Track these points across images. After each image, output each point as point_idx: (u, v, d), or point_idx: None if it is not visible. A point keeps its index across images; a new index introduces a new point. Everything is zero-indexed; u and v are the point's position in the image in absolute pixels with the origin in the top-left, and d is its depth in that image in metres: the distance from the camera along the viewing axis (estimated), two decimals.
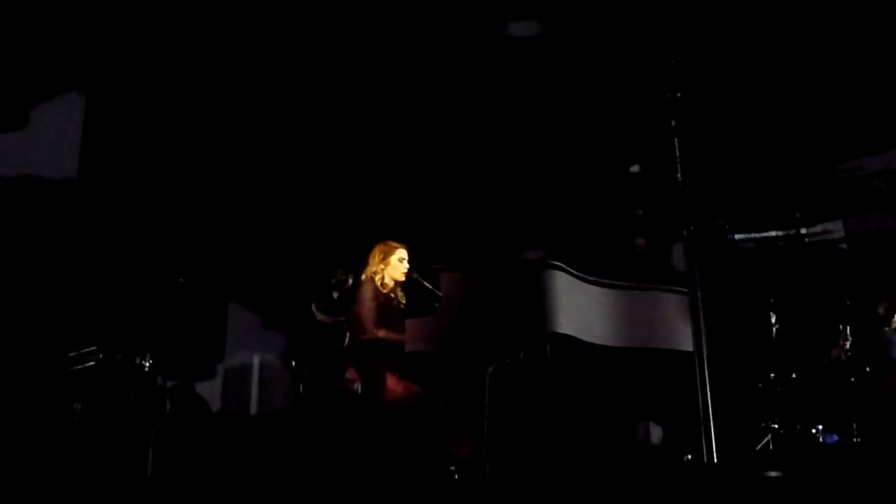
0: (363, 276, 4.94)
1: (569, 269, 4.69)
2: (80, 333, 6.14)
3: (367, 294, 4.81)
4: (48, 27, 6.72)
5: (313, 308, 6.49)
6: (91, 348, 5.68)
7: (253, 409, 7.38)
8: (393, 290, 4.91)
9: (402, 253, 4.93)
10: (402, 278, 4.89)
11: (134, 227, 7.12)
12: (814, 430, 5.93)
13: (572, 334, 4.60)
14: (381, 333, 4.71)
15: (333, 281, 6.73)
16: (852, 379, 6.02)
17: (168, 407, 5.58)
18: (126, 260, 7.03)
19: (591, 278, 4.84)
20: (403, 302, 4.92)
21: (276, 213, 7.68)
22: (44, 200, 6.66)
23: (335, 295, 6.69)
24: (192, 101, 7.41)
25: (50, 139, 6.70)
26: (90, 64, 6.92)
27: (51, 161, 6.70)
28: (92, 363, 5.62)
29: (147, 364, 5.65)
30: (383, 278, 4.88)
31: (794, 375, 6.12)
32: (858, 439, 5.81)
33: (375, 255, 4.94)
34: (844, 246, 7.45)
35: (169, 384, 5.95)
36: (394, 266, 4.89)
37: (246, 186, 7.65)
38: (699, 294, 3.60)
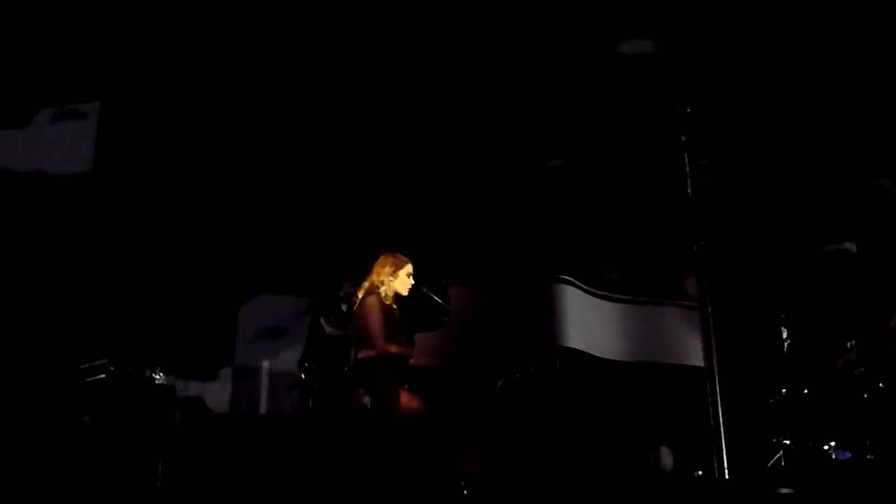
0: (366, 286, 4.85)
1: (578, 283, 4.68)
2: (91, 346, 6.17)
3: (375, 309, 4.72)
4: (64, 30, 6.81)
5: (322, 321, 6.50)
6: (101, 361, 5.69)
7: (262, 421, 7.36)
8: (392, 301, 4.85)
9: (410, 268, 4.88)
10: (406, 293, 4.85)
11: (145, 233, 7.15)
12: (826, 447, 5.87)
13: (582, 349, 4.59)
14: (393, 349, 4.65)
15: (342, 294, 6.74)
16: (865, 395, 5.97)
17: (178, 419, 5.58)
18: (136, 268, 7.06)
19: (601, 292, 4.83)
20: (397, 313, 4.87)
21: (287, 225, 7.70)
22: (58, 202, 6.72)
23: (343, 308, 6.70)
24: (205, 110, 7.45)
25: (66, 138, 6.78)
26: (106, 65, 7.00)
27: (67, 160, 6.77)
28: (102, 376, 5.63)
29: (157, 377, 5.66)
30: (388, 289, 4.81)
31: (805, 391, 6.07)
32: (872, 456, 5.76)
33: (385, 266, 4.84)
34: (856, 257, 7.42)
35: (179, 394, 5.97)
36: (402, 280, 4.82)
37: (258, 195, 7.69)
38: (710, 309, 3.59)
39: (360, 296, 4.87)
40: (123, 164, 7.21)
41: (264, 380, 7.61)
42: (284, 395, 7.44)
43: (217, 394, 7.29)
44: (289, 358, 7.39)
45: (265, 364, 7.64)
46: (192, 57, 7.31)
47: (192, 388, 7.14)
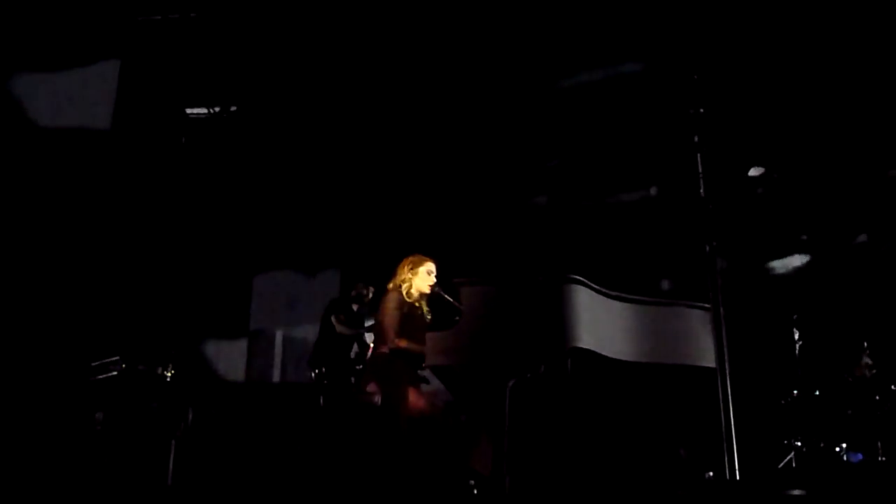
0: (389, 286, 4.93)
1: (590, 283, 4.67)
2: (103, 343, 6.19)
3: (391, 303, 4.80)
4: None
5: (333, 320, 6.52)
6: (114, 358, 5.72)
7: (275, 397, 7.37)
8: (417, 301, 4.90)
9: (430, 266, 4.93)
10: (428, 291, 4.88)
11: (159, 202, 7.15)
12: (837, 449, 5.85)
13: (593, 349, 4.58)
14: (403, 343, 4.69)
15: (353, 293, 6.77)
16: (877, 397, 5.95)
17: (191, 417, 5.60)
18: (150, 242, 7.07)
19: (613, 293, 4.82)
20: (429, 316, 4.91)
21: (297, 222, 7.73)
22: (75, 162, 6.72)
23: (355, 307, 6.72)
24: (226, 77, 7.41)
25: (86, 96, 6.80)
26: (126, 24, 6.98)
27: (86, 117, 6.79)
28: (115, 373, 5.66)
29: (169, 374, 5.69)
30: (410, 287, 4.86)
31: (817, 392, 6.06)
32: (883, 458, 5.74)
33: (404, 266, 4.93)
34: (868, 258, 7.39)
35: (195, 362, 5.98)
36: (421, 277, 4.88)
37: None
38: (722, 310, 3.59)
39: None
40: (142, 124, 7.20)
41: (278, 347, 7.67)
42: (298, 362, 7.47)
43: (232, 360, 7.34)
44: (303, 326, 7.43)
45: (279, 332, 7.70)
46: (216, 17, 7.24)
47: (208, 351, 7.20)
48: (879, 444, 5.81)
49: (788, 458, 5.94)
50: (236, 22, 7.17)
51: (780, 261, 7.44)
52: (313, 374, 6.49)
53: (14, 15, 6.64)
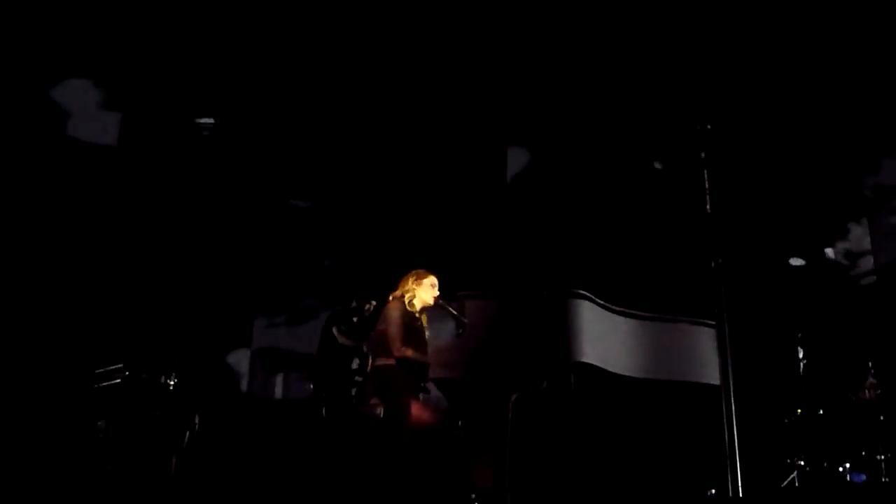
0: (391, 297, 4.93)
1: (595, 298, 4.68)
2: (107, 351, 6.19)
3: (395, 313, 4.78)
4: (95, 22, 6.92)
5: (334, 331, 6.51)
6: (117, 366, 5.72)
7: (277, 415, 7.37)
8: (418, 312, 4.89)
9: (434, 279, 4.94)
10: (432, 302, 4.88)
11: (164, 218, 7.19)
12: (841, 469, 5.82)
13: (597, 364, 4.58)
14: (409, 352, 4.68)
15: (354, 305, 6.77)
16: (881, 417, 5.92)
17: (197, 424, 5.60)
18: (154, 256, 7.09)
19: (618, 308, 4.82)
20: (427, 332, 4.91)
21: (302, 238, 7.74)
22: (81, 179, 6.77)
23: (355, 320, 6.72)
24: (231, 99, 7.46)
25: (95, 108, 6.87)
26: (135, 45, 7.08)
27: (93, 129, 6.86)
28: (118, 381, 5.65)
29: (172, 383, 5.68)
30: (413, 298, 4.86)
31: (821, 412, 6.03)
32: (886, 479, 5.70)
33: (409, 278, 4.94)
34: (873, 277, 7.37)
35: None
36: (426, 289, 4.88)
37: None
38: (727, 327, 3.58)
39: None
40: (148, 143, 7.27)
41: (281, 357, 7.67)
42: (300, 380, 7.45)
43: (235, 369, 7.34)
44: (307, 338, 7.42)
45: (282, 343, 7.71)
46: (221, 41, 7.32)
47: (212, 360, 7.19)
48: (883, 464, 5.78)
49: (791, 477, 5.91)
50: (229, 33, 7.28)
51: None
52: (311, 386, 6.48)
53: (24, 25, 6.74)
